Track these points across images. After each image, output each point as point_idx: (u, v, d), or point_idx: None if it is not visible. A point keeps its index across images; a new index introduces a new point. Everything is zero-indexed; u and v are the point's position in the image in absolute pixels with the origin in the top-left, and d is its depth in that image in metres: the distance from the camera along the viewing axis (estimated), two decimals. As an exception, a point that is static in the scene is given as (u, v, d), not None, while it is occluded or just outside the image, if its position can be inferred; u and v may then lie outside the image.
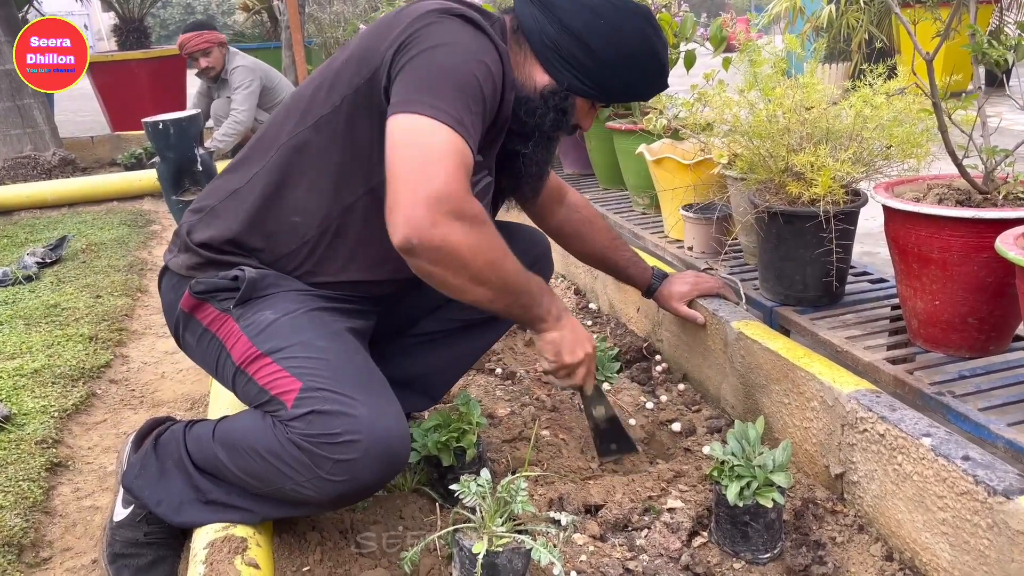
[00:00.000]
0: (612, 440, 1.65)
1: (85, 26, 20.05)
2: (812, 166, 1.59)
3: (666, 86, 1.46)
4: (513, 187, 1.55)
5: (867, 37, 5.89)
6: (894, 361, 1.54)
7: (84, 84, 7.75)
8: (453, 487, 1.30)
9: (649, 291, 1.90)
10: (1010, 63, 1.49)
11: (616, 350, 2.15)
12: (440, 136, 1.16)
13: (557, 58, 1.36)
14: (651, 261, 2.24)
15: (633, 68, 1.39)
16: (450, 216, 1.14)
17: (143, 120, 3.71)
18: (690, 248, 2.22)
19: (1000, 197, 1.48)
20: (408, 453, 1.24)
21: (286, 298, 1.34)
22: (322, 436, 1.16)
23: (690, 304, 1.89)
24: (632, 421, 1.81)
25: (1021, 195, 1.49)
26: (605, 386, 1.96)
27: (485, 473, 1.31)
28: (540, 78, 1.38)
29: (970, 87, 1.59)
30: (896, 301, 1.75)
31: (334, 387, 1.20)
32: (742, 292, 1.90)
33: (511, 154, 1.45)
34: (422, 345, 1.66)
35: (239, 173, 1.42)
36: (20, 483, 1.68)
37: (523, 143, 1.43)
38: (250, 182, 1.40)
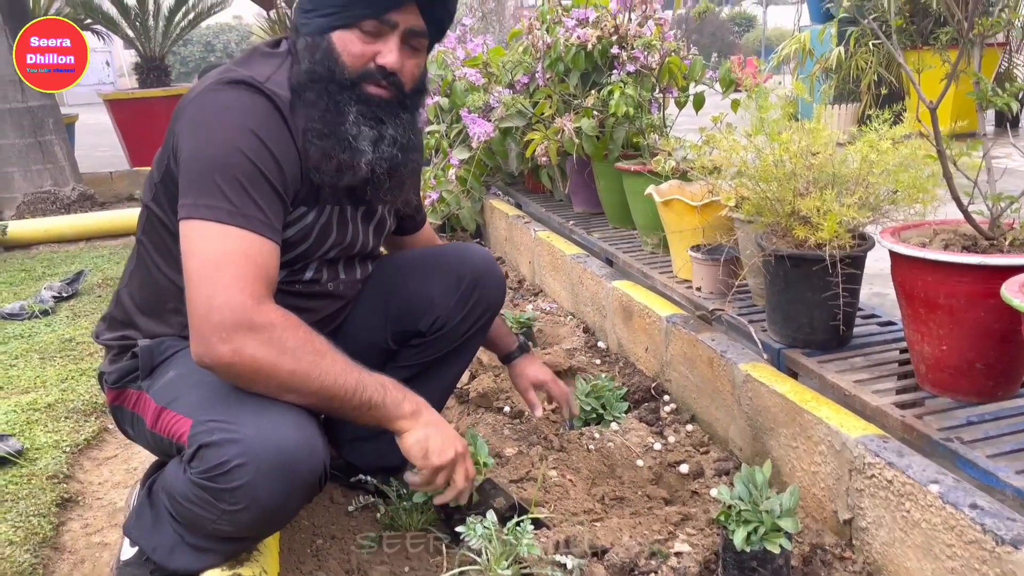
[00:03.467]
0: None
1: (107, 63, 20.43)
2: (818, 210, 1.61)
3: None
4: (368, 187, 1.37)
5: (876, 79, 5.94)
6: (902, 406, 1.54)
7: (104, 119, 7.91)
8: (459, 529, 1.31)
9: (508, 358, 1.84)
10: (1014, 111, 1.50)
11: (624, 390, 2.15)
12: (219, 241, 1.15)
13: (301, 15, 1.29)
14: (660, 302, 2.26)
15: None
16: (239, 330, 1.12)
17: None
18: (698, 289, 2.24)
19: (1006, 243, 1.49)
20: (318, 458, 1.19)
21: (188, 351, 1.32)
22: (213, 469, 1.14)
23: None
24: (640, 462, 1.81)
25: (1027, 241, 1.49)
26: (613, 426, 1.96)
27: (491, 515, 1.32)
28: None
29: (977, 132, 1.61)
30: (904, 344, 1.75)
31: (220, 415, 1.17)
32: (575, 410, 1.92)
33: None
34: None
35: (124, 274, 1.46)
36: (31, 519, 1.69)
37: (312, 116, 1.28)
38: (128, 283, 1.43)
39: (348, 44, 1.25)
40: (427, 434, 1.30)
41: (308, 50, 1.26)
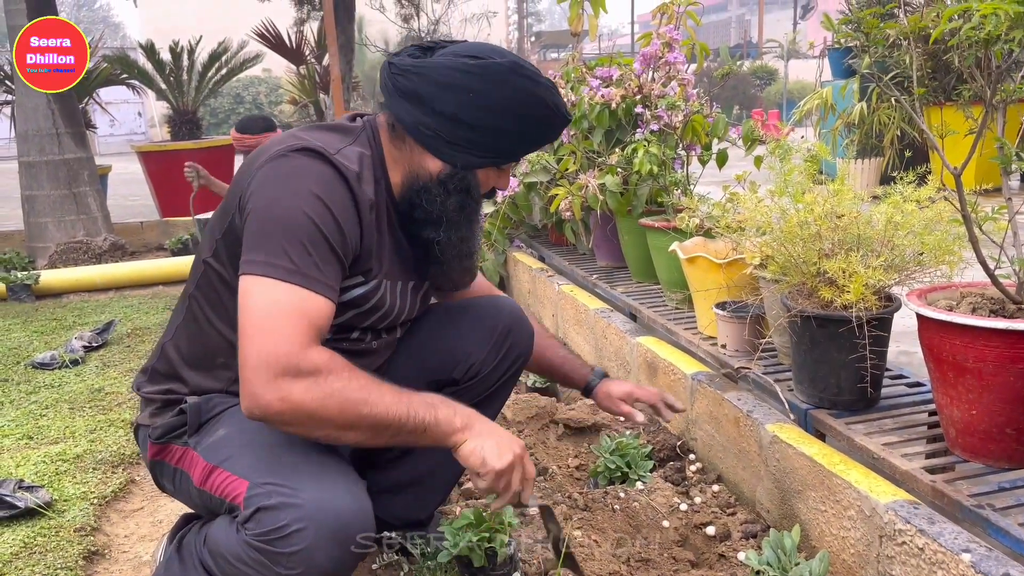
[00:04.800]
0: (566, 565, 1.55)
1: (139, 113, 20.92)
2: (844, 272, 1.62)
3: (567, 119, 1.43)
4: (440, 273, 1.52)
5: (899, 133, 5.96)
6: (932, 470, 1.52)
7: (135, 168, 8.09)
8: (485, 592, 1.30)
9: (587, 389, 1.86)
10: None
11: (649, 448, 2.14)
12: (274, 296, 1.18)
13: (442, 143, 1.36)
14: (685, 359, 2.26)
15: (521, 122, 1.38)
16: (285, 377, 1.14)
17: (195, 217, 3.90)
18: (723, 346, 2.23)
19: (1034, 307, 1.48)
20: (369, 523, 1.22)
21: (237, 410, 1.33)
22: (271, 532, 1.16)
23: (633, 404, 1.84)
24: (666, 523, 1.80)
25: (1056, 305, 1.49)
26: (639, 485, 1.94)
27: (517, 577, 1.31)
28: (432, 165, 1.38)
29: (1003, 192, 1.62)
30: (933, 407, 1.73)
31: (277, 479, 1.20)
32: (677, 406, 1.84)
33: (427, 242, 1.44)
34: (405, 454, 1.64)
35: (168, 327, 1.49)
36: (58, 571, 1.71)
37: (434, 230, 1.42)
38: (174, 337, 1.46)
39: (489, 176, 1.46)
40: (482, 443, 1.30)
41: (451, 179, 1.40)
